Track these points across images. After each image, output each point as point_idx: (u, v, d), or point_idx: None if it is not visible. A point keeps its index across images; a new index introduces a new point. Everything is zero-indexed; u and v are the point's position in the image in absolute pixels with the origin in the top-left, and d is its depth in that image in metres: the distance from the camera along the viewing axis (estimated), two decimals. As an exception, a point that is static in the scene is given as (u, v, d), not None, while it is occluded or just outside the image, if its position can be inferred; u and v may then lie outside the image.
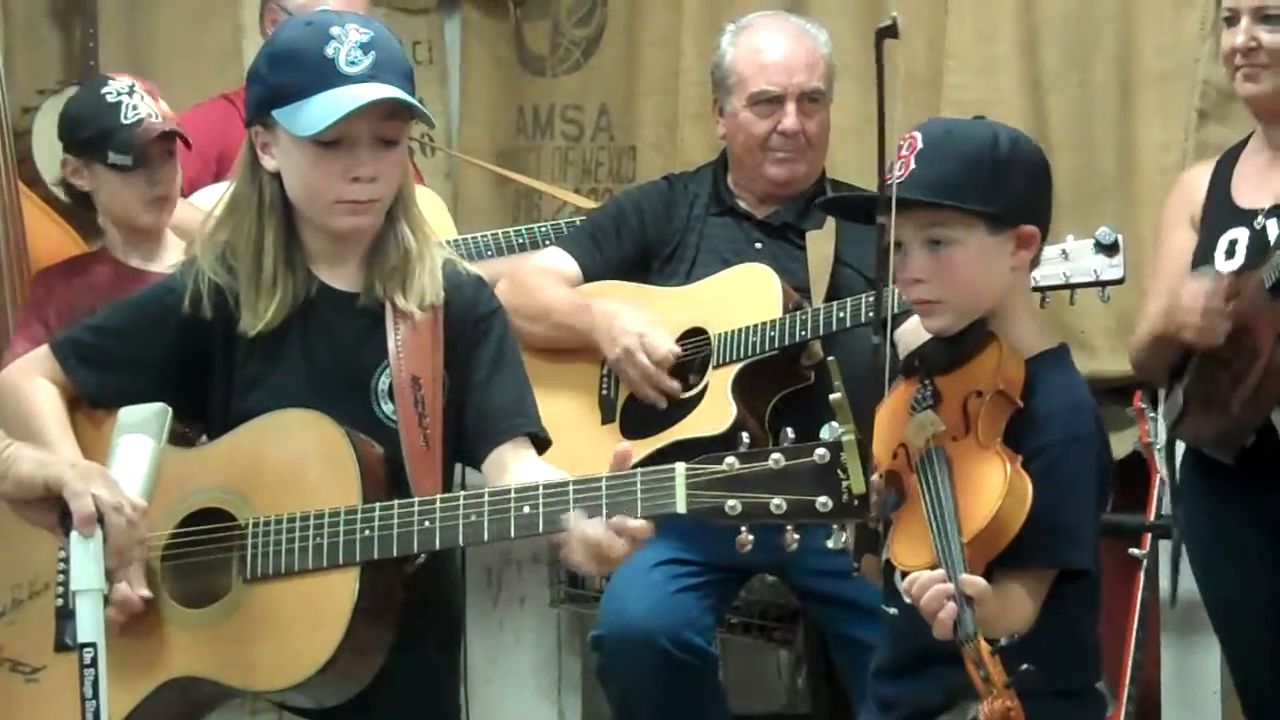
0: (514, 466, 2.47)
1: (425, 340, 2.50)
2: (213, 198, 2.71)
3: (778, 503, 2.18)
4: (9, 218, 3.87)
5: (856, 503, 2.17)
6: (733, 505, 2.19)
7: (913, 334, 2.63)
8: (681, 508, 2.20)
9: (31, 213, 3.98)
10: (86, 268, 3.56)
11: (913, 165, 2.41)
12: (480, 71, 4.76)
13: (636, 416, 3.47)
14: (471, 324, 2.55)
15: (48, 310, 3.49)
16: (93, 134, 3.45)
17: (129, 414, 2.34)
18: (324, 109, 2.40)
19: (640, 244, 3.67)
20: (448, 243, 3.76)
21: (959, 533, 2.25)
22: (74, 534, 2.19)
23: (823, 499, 2.17)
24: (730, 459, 2.20)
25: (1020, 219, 2.44)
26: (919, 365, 2.45)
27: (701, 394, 3.42)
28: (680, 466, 2.21)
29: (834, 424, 2.17)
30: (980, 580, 2.23)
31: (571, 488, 2.27)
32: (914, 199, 2.37)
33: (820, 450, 2.17)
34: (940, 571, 2.23)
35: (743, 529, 2.20)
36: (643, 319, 3.47)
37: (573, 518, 2.26)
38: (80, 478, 2.22)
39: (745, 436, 2.27)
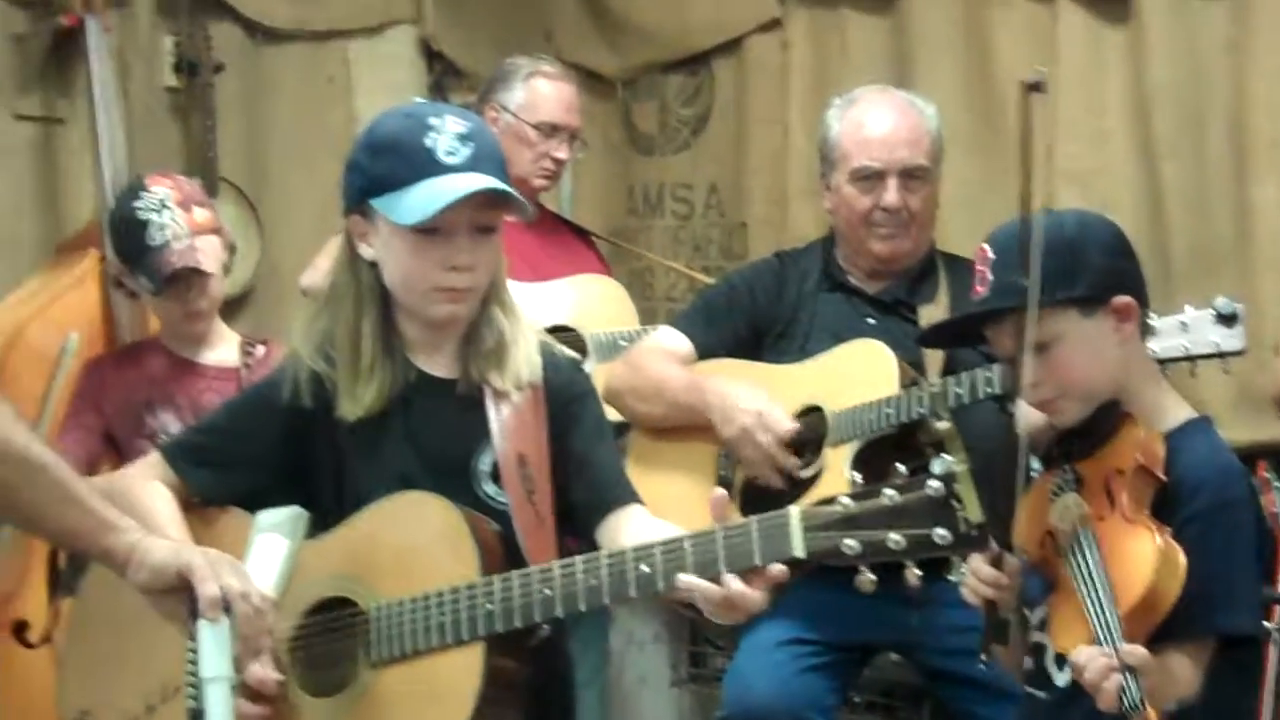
0: (629, 528, 2.49)
1: (527, 418, 2.54)
2: None
3: (895, 538, 2.14)
4: (132, 306, 3.93)
5: (975, 532, 2.14)
6: (850, 544, 2.15)
7: (1035, 410, 2.62)
8: (799, 551, 2.18)
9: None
10: (140, 357, 3.59)
11: (990, 277, 2.43)
12: (590, 153, 4.81)
13: (754, 497, 3.45)
14: (568, 402, 2.59)
15: (102, 399, 3.52)
16: (124, 251, 3.50)
17: (266, 515, 2.39)
18: (425, 198, 2.44)
19: (753, 321, 3.66)
20: (621, 333, 3.87)
21: (1115, 606, 2.24)
22: (201, 620, 2.22)
23: (940, 531, 2.13)
24: (844, 498, 2.18)
25: (1110, 293, 2.43)
26: (1057, 454, 2.44)
27: (819, 473, 3.40)
28: (794, 510, 2.19)
29: (945, 455, 2.15)
30: (1141, 649, 2.22)
31: (688, 542, 2.26)
32: (1001, 309, 2.38)
33: (933, 482, 2.14)
34: (1103, 646, 2.22)
35: (863, 569, 2.16)
36: (759, 397, 3.46)
37: (693, 575, 2.23)
38: (210, 565, 2.26)
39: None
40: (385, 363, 2.54)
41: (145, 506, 2.54)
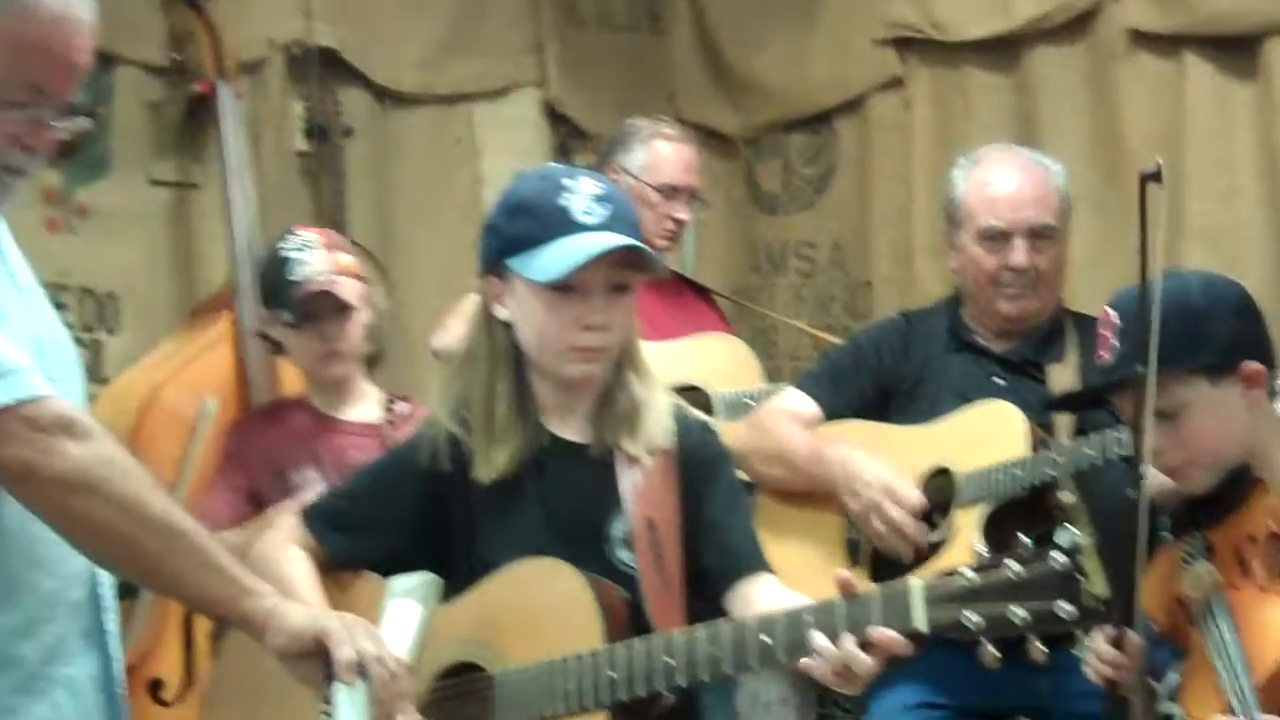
0: (759, 597, 2.48)
1: (658, 483, 2.55)
2: None
3: (1018, 611, 2.11)
4: (265, 369, 4.00)
5: (1099, 607, 2.10)
6: (972, 618, 2.13)
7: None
8: (921, 624, 2.16)
9: (285, 363, 4.11)
10: (285, 416, 3.64)
11: (1116, 344, 2.41)
12: (713, 211, 4.83)
13: (884, 560, 3.43)
14: (703, 468, 2.59)
15: (248, 459, 3.58)
16: (267, 289, 3.58)
17: (400, 580, 2.41)
18: (560, 255, 2.46)
19: (879, 382, 3.64)
20: (748, 392, 3.87)
21: (1251, 677, 2.21)
22: (337, 684, 2.24)
23: (1064, 605, 2.09)
24: (966, 571, 2.15)
25: (1237, 359, 2.40)
26: (1186, 520, 2.41)
27: (947, 536, 3.37)
28: (916, 581, 2.17)
29: (1068, 527, 2.13)
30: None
31: (810, 614, 2.25)
32: (1127, 378, 2.36)
33: (1058, 555, 2.11)
34: (1238, 718, 2.19)
35: (986, 643, 2.14)
36: (886, 470, 3.42)
37: (815, 640, 2.22)
38: (347, 629, 2.27)
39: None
40: (519, 425, 2.55)
41: (283, 571, 2.57)
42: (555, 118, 5.09)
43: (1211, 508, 2.41)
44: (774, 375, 4.44)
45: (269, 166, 4.51)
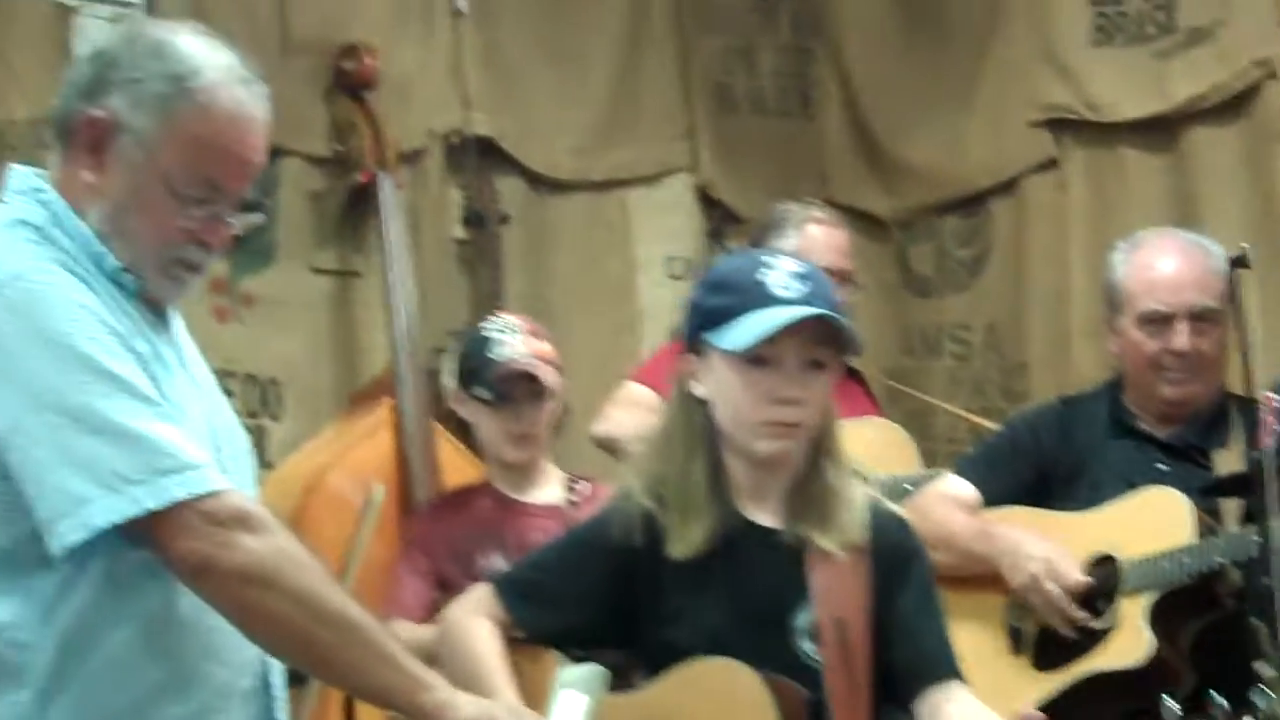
0: (950, 710, 2.45)
1: (849, 581, 2.51)
2: None
3: None
4: (425, 455, 4.05)
5: None
6: None
7: None
8: None
9: (445, 449, 4.17)
10: (469, 500, 3.68)
11: (1277, 428, 2.37)
12: (865, 294, 4.83)
13: (1048, 648, 3.38)
14: (897, 564, 2.55)
15: (434, 544, 3.62)
16: (466, 367, 3.63)
17: (569, 672, 2.42)
18: (754, 325, 2.47)
19: (1037, 467, 3.61)
20: (906, 477, 3.86)
21: None
22: None
23: None
24: None
25: None
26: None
27: (1114, 624, 3.31)
28: None
29: (1264, 688, 2.07)
30: None
31: None
32: None
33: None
34: None
35: None
36: (1049, 546, 3.40)
37: None
38: (512, 718, 2.27)
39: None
40: (713, 504, 2.54)
41: (470, 645, 2.58)
42: (708, 202, 5.13)
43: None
44: (929, 460, 4.40)
45: (428, 254, 4.59)
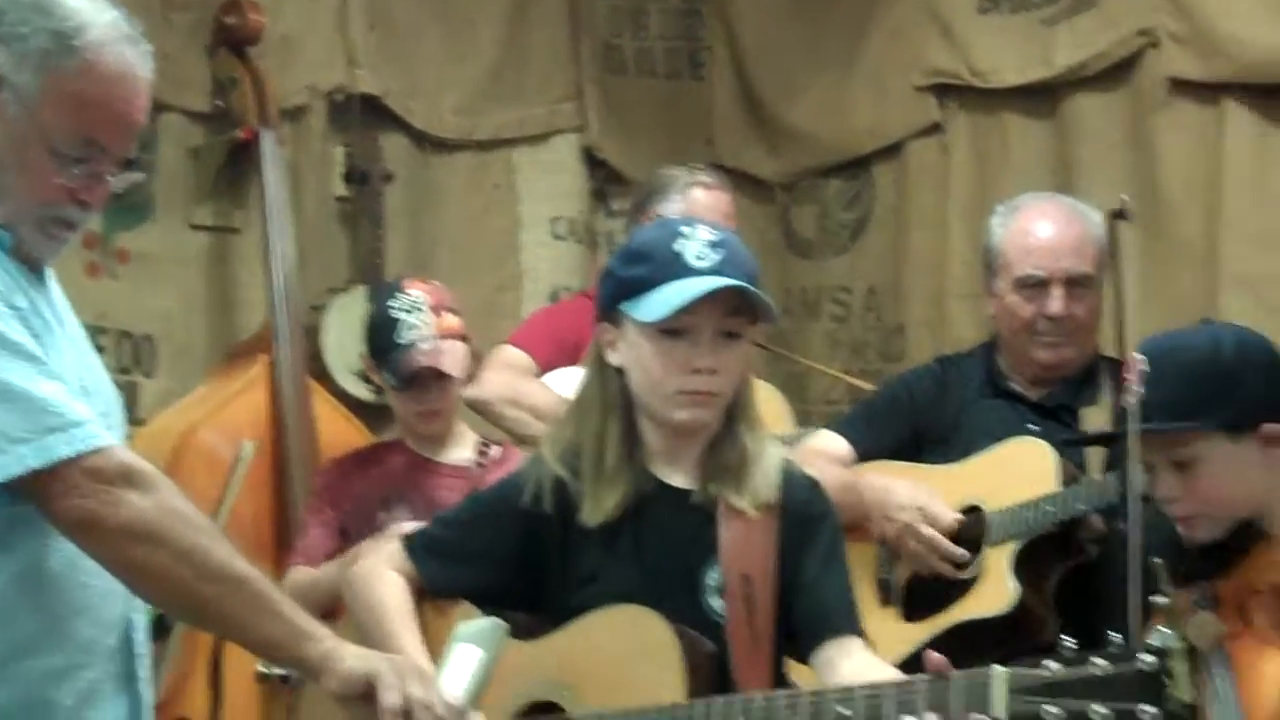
0: (843, 664, 2.47)
1: (758, 539, 2.53)
2: (565, 379, 2.81)
3: (1100, 710, 2.06)
4: (300, 412, 4.02)
5: (1185, 712, 2.06)
6: (1053, 711, 2.08)
7: None
8: (1000, 712, 2.12)
9: (320, 407, 4.15)
10: (381, 457, 3.69)
11: (1139, 390, 2.41)
12: (748, 256, 4.84)
13: (915, 598, 3.42)
14: (806, 524, 2.57)
15: (341, 497, 3.62)
16: (374, 347, 3.61)
17: (466, 625, 2.42)
18: (669, 297, 2.47)
19: (913, 425, 3.64)
20: (778, 436, 3.85)
21: None
22: None
23: (1147, 708, 2.04)
24: (1051, 663, 2.11)
25: (1260, 419, 2.40)
26: (1194, 570, 2.41)
27: (979, 574, 3.35)
28: (1000, 670, 2.14)
29: (1162, 629, 2.09)
30: None
31: (890, 691, 2.23)
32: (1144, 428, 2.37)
33: (1147, 656, 2.06)
34: None
35: None
36: (919, 491, 3.44)
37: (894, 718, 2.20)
38: (394, 672, 2.25)
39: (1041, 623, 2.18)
40: (626, 470, 2.55)
41: (376, 595, 2.60)
42: (594, 163, 5.12)
43: (1217, 558, 2.40)
44: (805, 420, 4.41)
45: (309, 212, 4.55)
